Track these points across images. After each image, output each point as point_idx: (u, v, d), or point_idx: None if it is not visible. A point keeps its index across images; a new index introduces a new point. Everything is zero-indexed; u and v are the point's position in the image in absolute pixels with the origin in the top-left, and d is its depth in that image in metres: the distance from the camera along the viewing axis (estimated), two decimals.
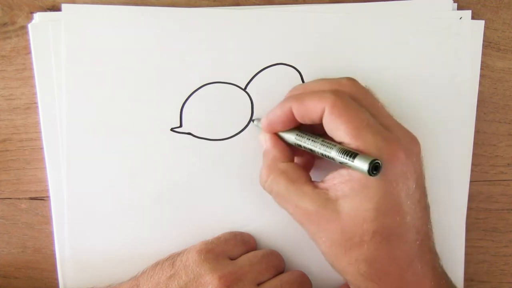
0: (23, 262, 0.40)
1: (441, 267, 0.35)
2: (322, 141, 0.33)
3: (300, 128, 0.36)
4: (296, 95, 0.35)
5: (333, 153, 0.32)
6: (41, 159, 0.38)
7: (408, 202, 0.32)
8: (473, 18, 0.39)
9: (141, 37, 0.38)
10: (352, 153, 0.31)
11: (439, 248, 0.35)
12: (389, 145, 0.32)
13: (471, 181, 0.41)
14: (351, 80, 0.35)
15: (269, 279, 0.37)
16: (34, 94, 0.38)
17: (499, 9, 0.40)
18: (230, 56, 0.38)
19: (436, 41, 0.39)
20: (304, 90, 0.35)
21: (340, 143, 0.32)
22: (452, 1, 0.39)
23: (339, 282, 0.41)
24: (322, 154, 0.33)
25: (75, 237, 0.39)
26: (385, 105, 0.35)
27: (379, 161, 0.30)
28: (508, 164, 0.42)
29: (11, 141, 0.39)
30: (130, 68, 0.38)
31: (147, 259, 0.38)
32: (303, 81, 0.39)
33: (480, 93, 0.40)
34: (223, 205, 0.40)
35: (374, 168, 0.30)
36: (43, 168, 0.38)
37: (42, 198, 0.39)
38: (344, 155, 0.31)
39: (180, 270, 0.35)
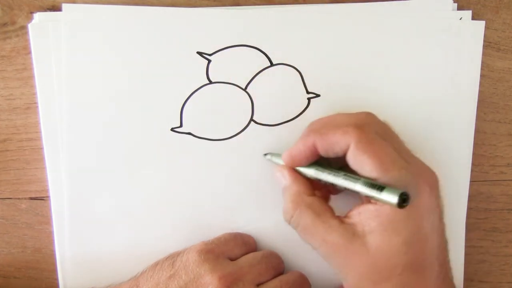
0: (23, 262, 0.40)
1: None
2: (344, 175, 0.33)
3: (318, 161, 0.36)
4: (318, 130, 0.35)
5: (358, 187, 0.32)
6: (41, 159, 0.38)
7: (434, 236, 0.33)
8: (473, 18, 0.39)
9: (141, 37, 0.38)
10: (379, 186, 0.31)
11: None
12: (415, 179, 0.32)
13: (471, 181, 0.41)
14: (371, 115, 0.35)
15: (269, 280, 0.37)
16: (34, 94, 0.38)
17: (499, 9, 0.40)
18: (230, 56, 0.38)
19: (436, 41, 0.39)
20: (325, 125, 0.35)
21: (365, 177, 0.32)
22: (452, 1, 0.39)
23: (339, 282, 0.41)
24: (345, 188, 0.33)
25: (75, 237, 0.39)
26: (403, 140, 0.35)
27: (407, 193, 0.30)
28: (508, 164, 0.42)
29: (11, 141, 0.39)
30: (130, 68, 0.38)
31: (147, 259, 0.38)
32: (303, 81, 0.39)
33: (480, 93, 0.40)
34: (223, 206, 0.40)
35: (403, 200, 0.30)
36: (43, 168, 0.38)
37: (42, 198, 0.39)
38: (371, 188, 0.31)
39: (180, 270, 0.35)
